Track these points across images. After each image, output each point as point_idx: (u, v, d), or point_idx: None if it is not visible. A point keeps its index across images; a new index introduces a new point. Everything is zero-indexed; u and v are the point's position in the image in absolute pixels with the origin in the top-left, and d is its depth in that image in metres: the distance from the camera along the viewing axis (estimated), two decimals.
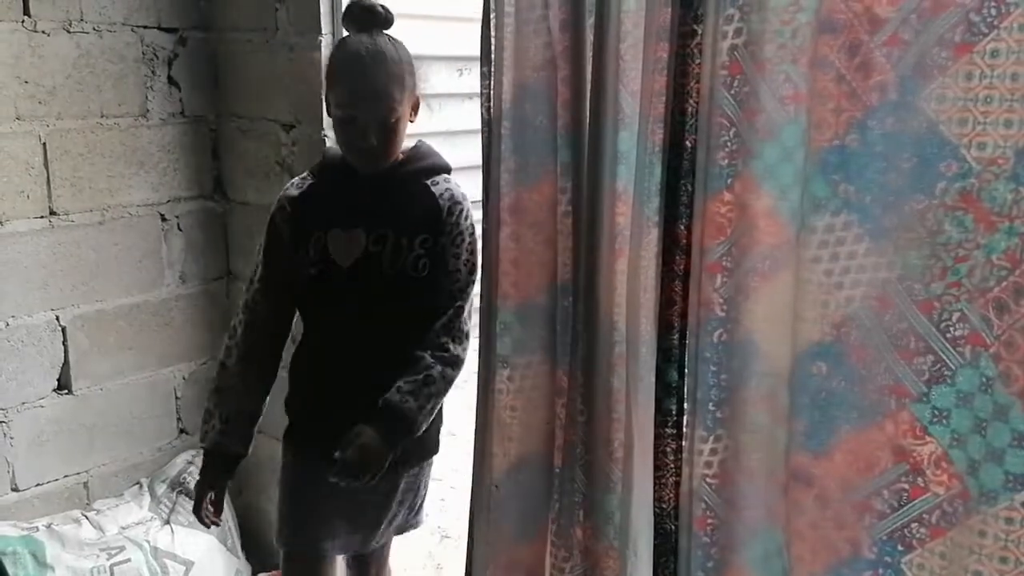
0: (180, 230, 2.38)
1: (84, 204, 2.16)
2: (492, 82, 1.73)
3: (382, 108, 1.50)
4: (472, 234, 1.65)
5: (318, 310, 1.63)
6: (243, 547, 2.49)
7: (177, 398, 2.46)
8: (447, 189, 1.63)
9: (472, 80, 4.85)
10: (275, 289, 1.61)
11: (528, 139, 1.71)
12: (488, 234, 1.77)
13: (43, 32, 2.01)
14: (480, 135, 1.78)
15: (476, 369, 1.82)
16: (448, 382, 1.63)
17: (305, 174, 1.66)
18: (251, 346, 1.62)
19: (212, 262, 2.47)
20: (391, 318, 1.58)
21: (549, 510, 1.81)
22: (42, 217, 2.09)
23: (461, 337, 1.64)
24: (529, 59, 1.66)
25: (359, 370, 1.59)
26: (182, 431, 2.49)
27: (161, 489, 2.36)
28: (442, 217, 1.59)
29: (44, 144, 2.06)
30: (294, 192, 1.62)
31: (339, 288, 1.57)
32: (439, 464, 3.59)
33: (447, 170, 1.67)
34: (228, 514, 2.47)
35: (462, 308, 1.63)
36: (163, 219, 2.33)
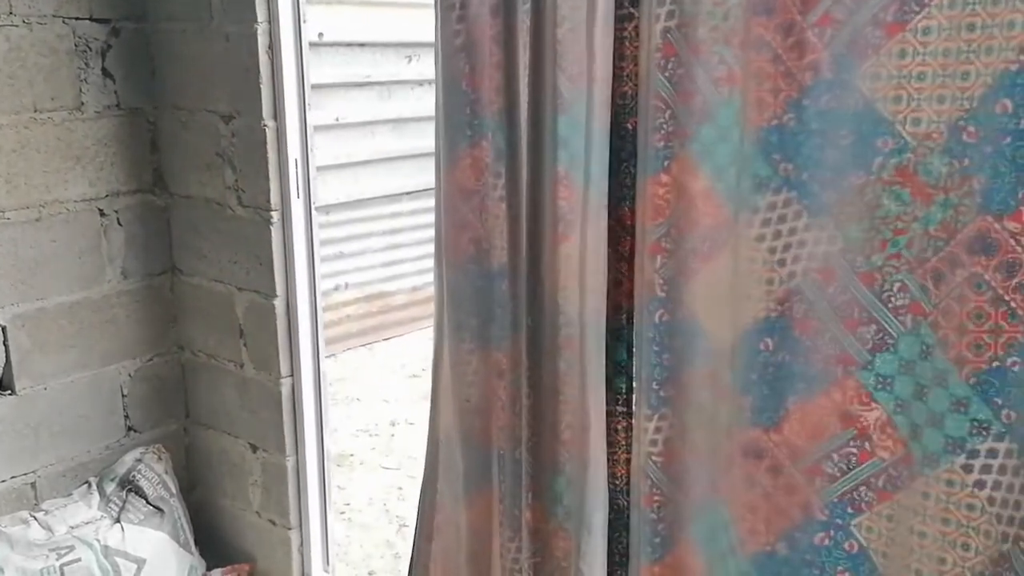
0: (120, 225, 2.33)
1: (20, 201, 2.11)
2: (437, 69, 1.74)
3: None
4: None
5: None
6: (196, 543, 2.47)
7: (124, 395, 2.43)
8: None
9: (421, 67, 4.83)
10: None
11: (449, 125, 1.72)
12: (437, 215, 1.79)
13: None
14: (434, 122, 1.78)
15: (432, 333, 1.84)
16: None
17: None
18: None
19: (155, 256, 2.42)
20: None
21: (487, 488, 1.83)
22: None
23: None
24: (445, 48, 1.67)
25: None
26: (130, 428, 2.45)
27: (110, 487, 2.33)
28: None
29: None
30: None
31: None
32: (397, 453, 3.59)
33: None
34: (181, 510, 2.44)
35: None
36: (102, 214, 2.29)
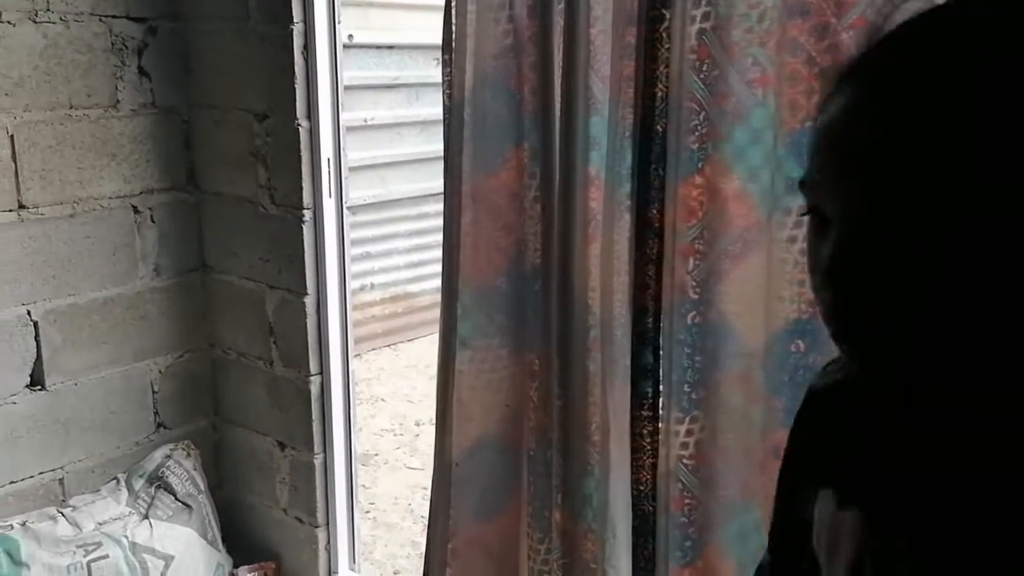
0: (153, 222, 2.36)
1: (54, 197, 2.14)
2: (453, 70, 1.74)
3: None
4: None
5: None
6: (223, 540, 2.48)
7: (154, 392, 2.45)
8: None
9: None
10: None
11: (488, 127, 1.72)
12: (450, 219, 1.79)
13: (8, 23, 1.98)
14: (443, 124, 1.79)
15: (437, 351, 1.84)
16: None
17: None
18: None
19: (187, 254, 2.45)
20: None
21: (516, 491, 1.83)
22: (11, 211, 2.06)
23: None
24: (489, 47, 1.67)
25: None
26: (160, 425, 2.48)
27: (139, 484, 2.35)
28: None
29: (12, 136, 2.03)
30: None
31: None
32: (421, 453, 3.60)
33: None
34: (209, 507, 2.46)
35: None
36: (136, 211, 2.31)
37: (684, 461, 1.56)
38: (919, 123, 0.53)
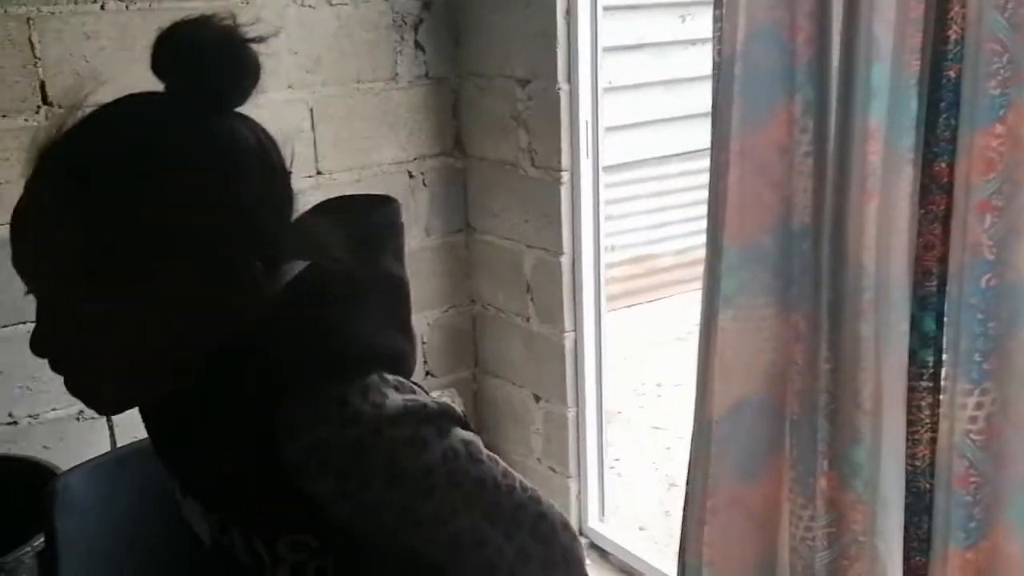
0: (425, 186, 2.54)
1: (344, 164, 2.37)
2: (724, 24, 1.71)
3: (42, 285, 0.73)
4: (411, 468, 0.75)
5: None
6: None
7: (423, 342, 2.66)
8: (337, 433, 0.71)
9: (695, 25, 4.73)
10: None
11: (758, 82, 1.67)
12: (716, 176, 1.77)
13: (309, 6, 2.20)
14: (711, 79, 1.76)
15: (700, 307, 1.83)
16: None
17: None
18: None
19: (453, 216, 2.62)
20: None
21: (778, 455, 1.79)
22: (310, 176, 2.31)
23: None
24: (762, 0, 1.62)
25: None
26: (428, 373, 2.68)
27: None
28: (330, 508, 0.73)
29: (311, 110, 2.27)
30: None
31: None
32: (664, 414, 3.61)
33: (336, 369, 0.74)
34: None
35: None
36: (410, 176, 2.51)
37: (971, 436, 1.45)
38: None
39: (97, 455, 1.89)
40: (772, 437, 1.80)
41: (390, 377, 0.74)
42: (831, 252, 1.62)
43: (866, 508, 1.64)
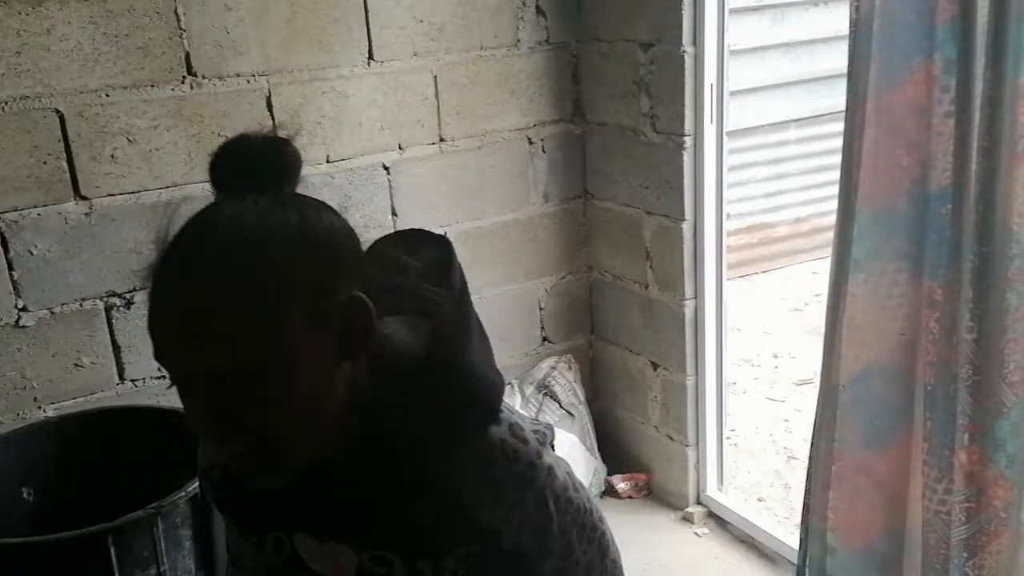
0: (544, 152, 2.55)
1: (466, 130, 2.40)
2: None
3: (209, 353, 0.71)
4: (574, 531, 0.89)
5: None
6: (598, 449, 2.68)
7: (540, 309, 2.68)
8: (492, 486, 0.82)
9: None
10: None
11: (896, 39, 1.60)
12: (851, 137, 1.71)
13: None
14: (848, 37, 1.70)
15: (829, 270, 1.78)
16: None
17: None
18: None
19: (571, 182, 2.62)
20: None
21: (908, 424, 1.74)
22: (433, 143, 2.35)
23: None
24: None
25: None
26: (544, 339, 2.71)
27: (529, 390, 2.61)
28: (491, 528, 0.83)
29: (435, 77, 2.30)
30: (218, 455, 0.89)
31: None
32: (781, 385, 3.53)
33: (488, 415, 0.84)
34: (587, 417, 2.67)
35: None
36: (530, 142, 2.52)
37: None
38: None
39: None
40: (901, 406, 1.74)
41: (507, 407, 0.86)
42: (976, 217, 1.54)
43: (1009, 483, 1.58)
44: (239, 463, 0.80)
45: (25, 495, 1.78)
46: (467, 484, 0.81)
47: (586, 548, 0.90)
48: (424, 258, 0.89)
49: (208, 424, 0.75)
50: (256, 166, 0.74)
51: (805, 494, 1.88)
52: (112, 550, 1.47)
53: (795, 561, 2.24)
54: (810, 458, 1.84)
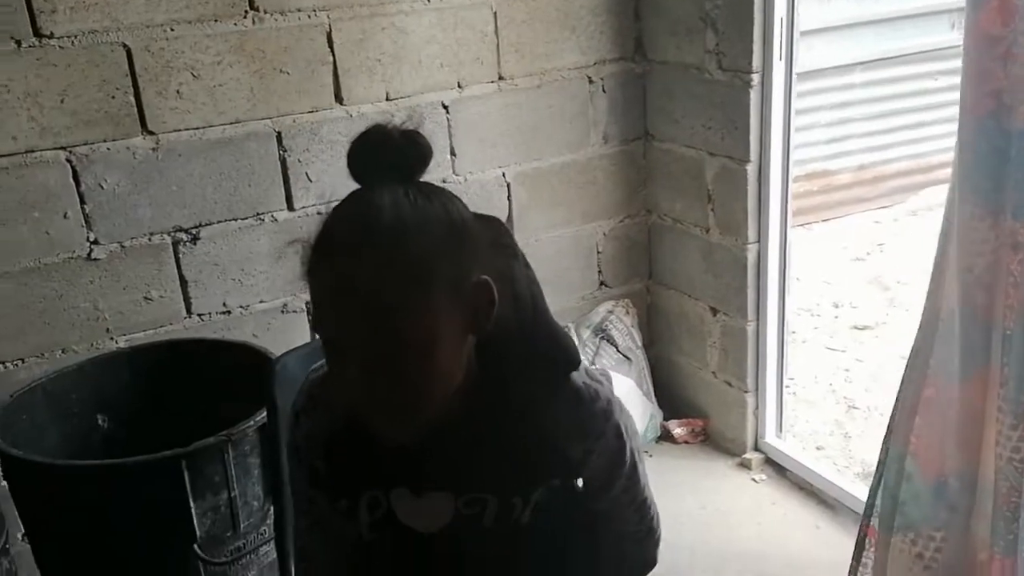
0: (604, 92, 2.50)
1: (525, 69, 2.36)
2: None
3: (372, 325, 0.82)
4: (626, 447, 1.03)
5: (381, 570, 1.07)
6: (654, 394, 2.67)
7: (598, 252, 2.65)
8: (579, 422, 0.97)
9: None
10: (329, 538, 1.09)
11: None
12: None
13: None
14: None
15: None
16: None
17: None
18: None
19: (631, 123, 2.57)
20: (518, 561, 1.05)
21: (983, 368, 1.68)
22: (492, 82, 2.32)
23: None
24: None
25: None
26: (602, 283, 2.69)
27: (586, 334, 2.60)
28: (577, 459, 0.98)
29: (495, 13, 2.26)
30: (321, 428, 1.00)
31: (417, 553, 1.02)
32: (841, 335, 3.47)
33: (567, 369, 0.98)
34: (644, 362, 2.65)
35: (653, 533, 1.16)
36: (590, 81, 2.47)
37: None
38: None
39: (308, 341, 2.03)
40: (978, 350, 1.69)
41: None
42: None
43: None
44: (379, 420, 0.88)
45: (100, 422, 1.84)
46: (560, 423, 0.95)
47: (643, 469, 1.08)
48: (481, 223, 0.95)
49: (360, 384, 0.84)
50: (396, 158, 0.84)
51: (892, 416, 1.84)
52: (185, 474, 1.51)
53: (855, 508, 2.22)
54: (902, 380, 1.78)
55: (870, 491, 1.87)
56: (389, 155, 0.84)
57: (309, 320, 2.19)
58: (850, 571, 1.95)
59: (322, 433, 0.98)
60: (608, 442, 0.98)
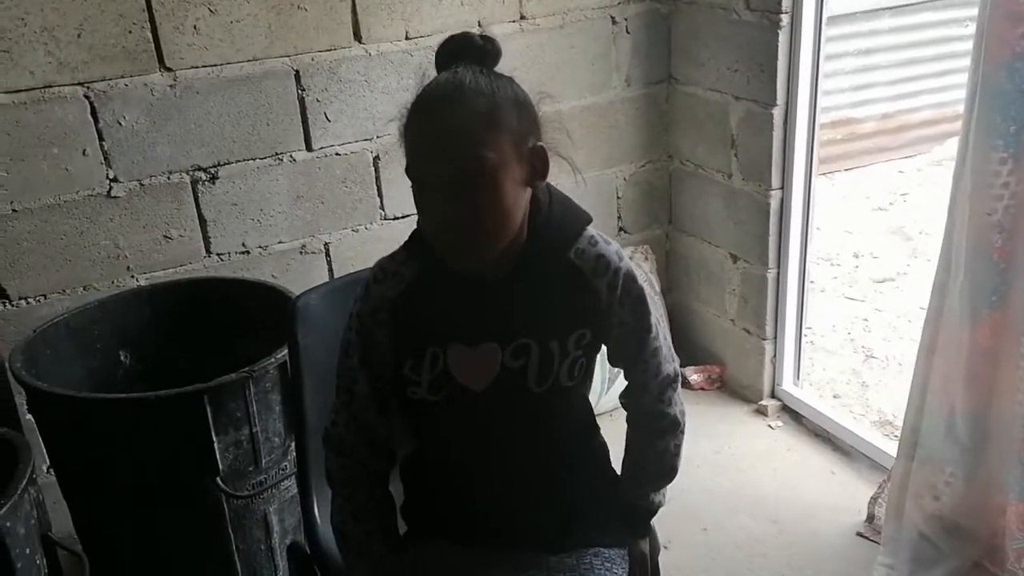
0: (628, 33, 2.44)
1: (548, 8, 2.30)
2: None
3: (459, 156, 1.01)
4: (646, 296, 1.18)
5: (439, 432, 1.22)
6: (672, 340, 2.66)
7: (618, 198, 2.63)
8: (599, 255, 1.14)
9: None
10: (373, 414, 1.18)
11: None
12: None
13: None
14: None
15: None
16: (679, 451, 1.29)
17: (400, 254, 1.17)
18: (362, 501, 1.20)
19: (654, 65, 2.52)
20: (554, 429, 1.21)
21: (1002, 312, 1.66)
22: (513, 21, 2.27)
23: (679, 401, 1.28)
24: None
25: (522, 477, 1.20)
26: (621, 229, 2.67)
27: None
28: (603, 299, 1.14)
29: None
30: (391, 291, 1.14)
31: (469, 414, 1.17)
32: (861, 284, 3.44)
33: (586, 221, 1.18)
34: (662, 309, 2.64)
35: (676, 381, 1.27)
36: (614, 22, 2.41)
37: None
38: None
39: (327, 281, 2.03)
40: (994, 291, 1.67)
41: None
42: None
43: None
44: (458, 246, 1.06)
45: (123, 357, 1.86)
46: (586, 259, 1.13)
47: (669, 343, 1.26)
48: None
49: (444, 212, 1.03)
50: (478, 53, 1.07)
51: (918, 352, 1.83)
52: (208, 409, 1.53)
53: (870, 455, 2.23)
54: (926, 318, 1.77)
55: (904, 420, 1.89)
56: (473, 50, 1.07)
57: (326, 259, 2.20)
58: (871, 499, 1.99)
59: (391, 298, 1.14)
60: (627, 283, 1.15)
